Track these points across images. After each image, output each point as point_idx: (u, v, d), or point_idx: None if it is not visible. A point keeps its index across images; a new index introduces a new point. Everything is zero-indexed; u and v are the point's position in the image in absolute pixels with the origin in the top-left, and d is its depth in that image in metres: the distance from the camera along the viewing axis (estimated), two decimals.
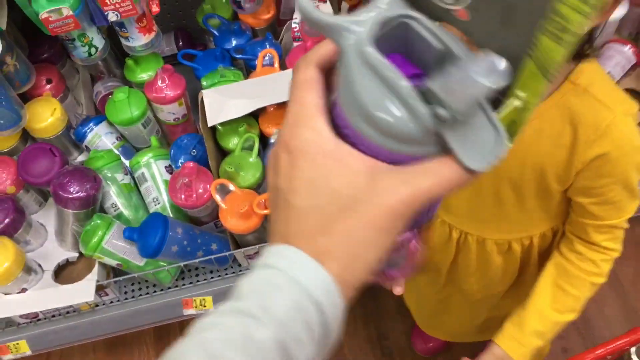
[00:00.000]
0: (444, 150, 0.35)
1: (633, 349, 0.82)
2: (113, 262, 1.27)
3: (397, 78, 0.34)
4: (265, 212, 1.21)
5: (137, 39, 1.28)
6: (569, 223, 0.79)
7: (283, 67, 1.40)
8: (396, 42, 0.37)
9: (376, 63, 0.34)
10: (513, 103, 0.37)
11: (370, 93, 0.34)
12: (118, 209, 1.33)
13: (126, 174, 1.36)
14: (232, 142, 1.32)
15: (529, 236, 0.81)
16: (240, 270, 1.35)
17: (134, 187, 1.36)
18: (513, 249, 0.84)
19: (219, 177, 1.30)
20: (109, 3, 1.15)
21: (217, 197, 1.21)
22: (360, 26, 0.36)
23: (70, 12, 1.15)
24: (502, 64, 0.32)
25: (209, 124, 1.25)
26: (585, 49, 0.66)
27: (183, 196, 1.25)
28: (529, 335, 0.77)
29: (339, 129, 0.37)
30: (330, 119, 0.37)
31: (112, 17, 1.17)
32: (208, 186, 1.26)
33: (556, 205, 0.77)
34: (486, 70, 0.31)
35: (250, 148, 1.31)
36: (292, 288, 0.35)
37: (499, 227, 0.84)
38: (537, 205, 0.77)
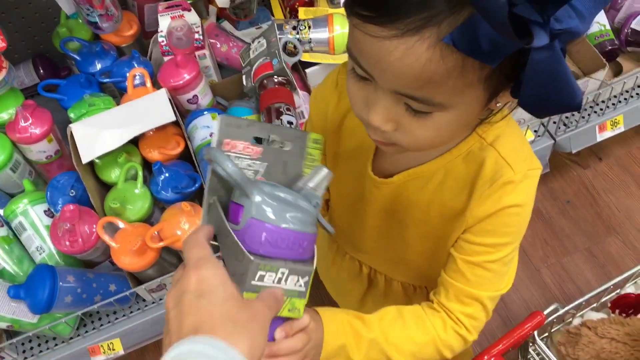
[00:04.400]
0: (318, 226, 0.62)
1: (536, 332, 0.85)
2: (2, 325, 1.16)
3: (294, 198, 0.58)
4: (161, 244, 1.14)
5: None
6: (439, 282, 0.74)
7: (156, 85, 1.32)
8: None
9: (279, 194, 0.58)
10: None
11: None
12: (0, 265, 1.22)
13: (2, 226, 1.25)
14: (114, 174, 1.24)
15: (434, 286, 0.79)
16: (146, 306, 1.28)
17: (14, 238, 1.25)
18: (418, 293, 0.83)
19: (104, 214, 1.21)
20: None
21: (106, 237, 1.14)
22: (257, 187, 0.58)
23: None
24: (324, 168, 0.62)
25: (83, 161, 1.16)
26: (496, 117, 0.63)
27: (68, 242, 1.16)
28: (347, 326, 0.68)
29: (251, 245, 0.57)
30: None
31: None
32: (94, 227, 1.18)
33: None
34: (321, 171, 0.62)
35: (134, 178, 1.24)
36: None
37: (405, 271, 0.83)
38: (443, 251, 0.74)
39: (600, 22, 1.52)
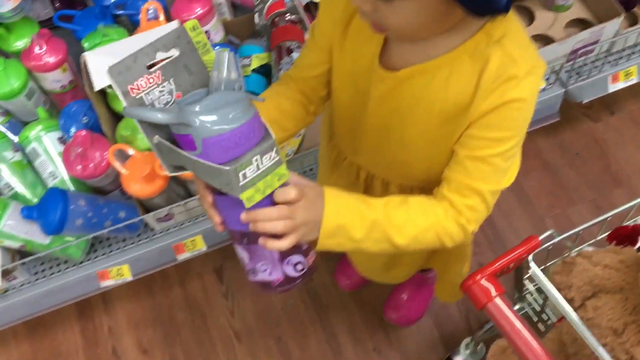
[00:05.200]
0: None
1: (530, 256, 0.86)
2: (15, 244, 1.20)
3: (224, 97, 0.62)
4: None
5: (3, 4, 1.18)
6: (442, 177, 0.76)
7: (169, 19, 1.33)
8: None
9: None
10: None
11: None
12: (13, 188, 1.25)
13: (16, 151, 1.28)
14: None
15: (430, 188, 0.80)
16: (154, 235, 1.32)
17: (28, 164, 1.29)
18: (415, 194, 0.84)
19: (115, 142, 1.24)
20: None
21: (117, 164, 1.16)
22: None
23: None
24: (223, 53, 0.62)
25: (95, 88, 1.18)
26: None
27: (80, 167, 1.19)
28: (352, 209, 0.70)
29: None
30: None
31: None
32: (105, 153, 1.20)
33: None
34: (223, 56, 0.62)
35: None
36: None
37: (403, 173, 0.84)
38: (440, 153, 0.76)
39: None
